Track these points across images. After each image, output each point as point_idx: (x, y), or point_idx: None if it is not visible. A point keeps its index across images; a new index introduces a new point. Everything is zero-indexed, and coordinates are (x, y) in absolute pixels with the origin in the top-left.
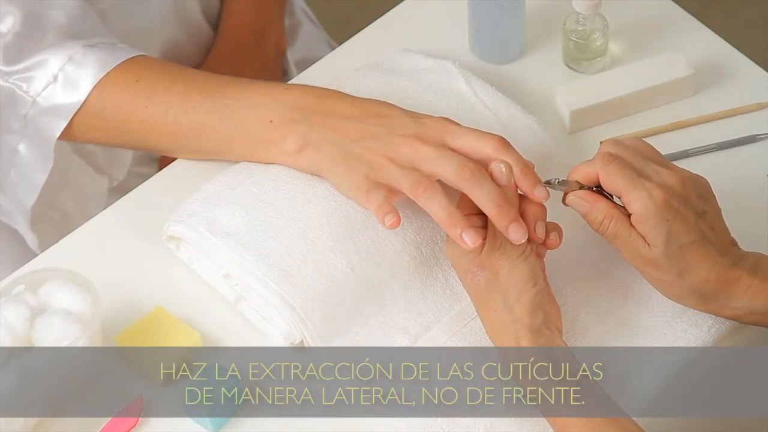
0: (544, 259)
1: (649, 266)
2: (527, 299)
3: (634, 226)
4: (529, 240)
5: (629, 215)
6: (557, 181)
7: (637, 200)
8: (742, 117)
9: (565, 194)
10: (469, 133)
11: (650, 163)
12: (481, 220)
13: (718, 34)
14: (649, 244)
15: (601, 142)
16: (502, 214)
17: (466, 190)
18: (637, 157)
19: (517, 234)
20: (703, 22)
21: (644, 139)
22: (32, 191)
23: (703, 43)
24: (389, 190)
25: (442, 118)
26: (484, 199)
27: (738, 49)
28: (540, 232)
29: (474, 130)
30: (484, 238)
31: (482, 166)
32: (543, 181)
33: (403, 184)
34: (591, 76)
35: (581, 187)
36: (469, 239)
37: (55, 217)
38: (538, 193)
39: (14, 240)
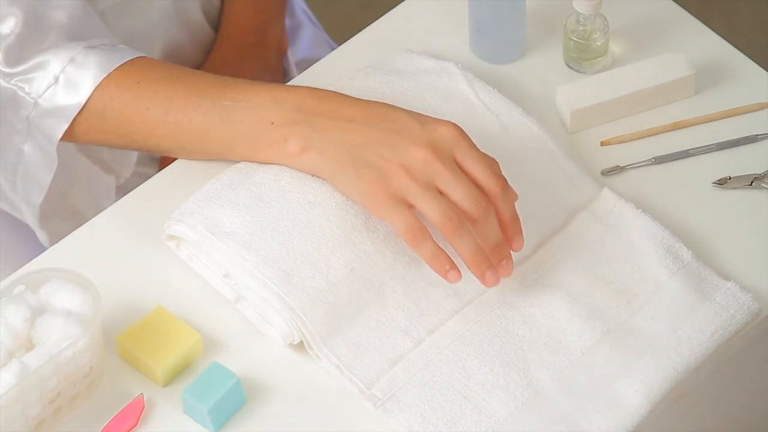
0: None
1: None
2: None
3: None
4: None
5: None
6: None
7: None
8: (742, 117)
9: None
10: (477, 163)
11: None
12: None
13: (718, 34)
14: None
15: (601, 143)
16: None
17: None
18: None
19: (493, 279)
20: (703, 22)
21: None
22: (40, 190)
23: (703, 43)
24: (408, 207)
25: (451, 125)
26: (466, 248)
27: (738, 49)
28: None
29: (482, 159)
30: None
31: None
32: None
33: (430, 213)
34: (591, 76)
35: None
36: (491, 279)
37: (67, 214)
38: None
39: (17, 238)
